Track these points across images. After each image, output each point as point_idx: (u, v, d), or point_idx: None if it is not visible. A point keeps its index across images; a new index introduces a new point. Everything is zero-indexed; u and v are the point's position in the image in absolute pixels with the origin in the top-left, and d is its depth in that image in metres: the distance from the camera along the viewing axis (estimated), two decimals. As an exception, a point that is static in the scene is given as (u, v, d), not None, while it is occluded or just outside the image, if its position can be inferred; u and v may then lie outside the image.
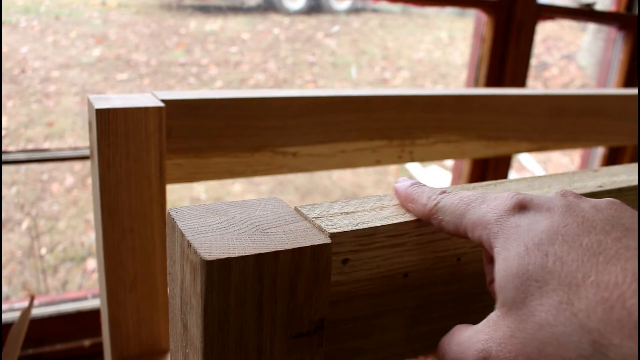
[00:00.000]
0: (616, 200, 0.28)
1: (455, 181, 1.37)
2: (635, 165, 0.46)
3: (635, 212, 0.27)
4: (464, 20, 3.64)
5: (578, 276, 0.23)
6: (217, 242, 0.27)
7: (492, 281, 0.31)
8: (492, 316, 0.26)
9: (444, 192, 0.32)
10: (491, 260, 0.31)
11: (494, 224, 0.28)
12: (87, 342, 1.00)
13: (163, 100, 0.55)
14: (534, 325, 0.24)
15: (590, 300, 0.22)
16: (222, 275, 0.26)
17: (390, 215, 0.33)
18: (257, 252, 0.26)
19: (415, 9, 3.60)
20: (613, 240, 0.24)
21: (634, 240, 0.24)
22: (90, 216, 1.94)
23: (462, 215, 0.30)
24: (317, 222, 0.31)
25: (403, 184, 0.35)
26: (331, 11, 3.28)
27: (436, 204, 0.31)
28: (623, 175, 0.43)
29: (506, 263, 0.26)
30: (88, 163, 1.73)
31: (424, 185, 0.34)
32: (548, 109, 0.82)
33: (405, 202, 0.34)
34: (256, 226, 0.29)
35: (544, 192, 0.38)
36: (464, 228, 0.30)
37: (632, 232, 0.25)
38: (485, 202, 0.29)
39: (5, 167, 1.64)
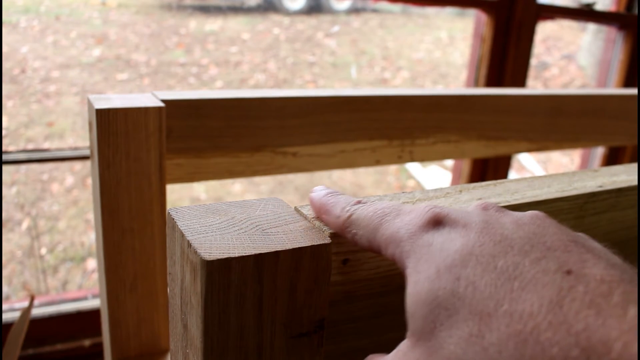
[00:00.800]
0: (541, 213, 0.26)
1: (456, 181, 1.37)
2: (635, 165, 0.46)
3: (563, 228, 0.24)
4: (464, 20, 3.64)
5: (490, 304, 0.21)
6: (217, 242, 0.27)
7: None
8: (402, 346, 0.24)
9: (359, 202, 0.29)
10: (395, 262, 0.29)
11: (407, 241, 0.25)
12: (87, 342, 1.00)
13: (163, 100, 0.55)
14: None
15: (502, 332, 0.20)
16: (222, 275, 0.26)
17: (390, 215, 0.33)
18: (257, 252, 0.26)
19: (415, 9, 3.60)
20: (531, 263, 0.22)
21: (554, 262, 0.22)
22: (90, 216, 1.94)
23: (375, 229, 0.27)
24: (317, 222, 0.31)
25: (318, 193, 0.32)
26: (331, 11, 3.28)
27: (349, 216, 0.29)
28: (623, 175, 0.43)
29: (416, 287, 0.23)
30: (88, 163, 1.73)
31: (340, 194, 0.31)
32: (548, 109, 0.82)
33: (319, 213, 0.31)
34: (256, 226, 0.29)
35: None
36: (377, 244, 0.27)
37: (553, 252, 0.22)
38: (399, 216, 0.27)
39: (5, 167, 1.64)
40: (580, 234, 0.25)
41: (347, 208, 0.29)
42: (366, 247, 0.28)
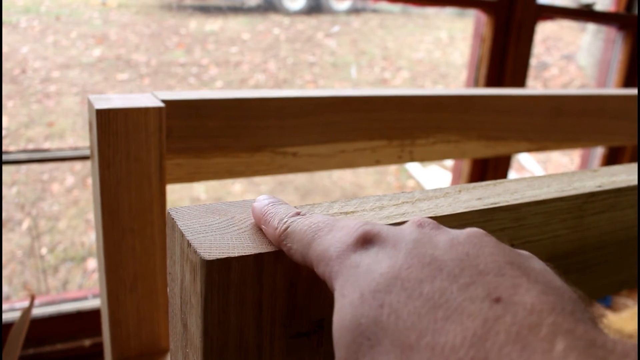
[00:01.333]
0: (480, 231, 0.24)
1: (456, 181, 1.37)
2: (635, 165, 0.46)
3: (502, 247, 0.23)
4: (464, 20, 3.64)
5: (412, 336, 0.19)
6: (217, 242, 0.27)
7: None
8: None
9: (297, 214, 0.28)
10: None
11: (335, 260, 0.23)
12: (87, 342, 1.00)
13: (163, 101, 0.55)
14: None
15: None
16: (222, 275, 0.26)
17: (390, 215, 0.33)
18: (257, 251, 0.26)
19: (415, 9, 3.60)
20: (459, 289, 0.20)
21: (483, 288, 0.20)
22: (91, 216, 1.94)
23: (308, 244, 0.25)
24: (317, 222, 0.31)
25: (260, 202, 0.30)
26: (331, 11, 3.28)
27: (285, 229, 0.27)
28: (623, 175, 0.43)
29: (340, 313, 0.22)
30: (88, 163, 1.73)
31: (281, 204, 0.29)
32: (548, 109, 0.82)
33: (258, 223, 0.29)
34: (256, 226, 0.29)
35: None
36: (310, 260, 0.25)
37: (485, 276, 0.20)
38: (332, 232, 0.25)
39: (5, 167, 1.64)
40: (523, 252, 0.23)
41: (285, 219, 0.27)
42: (301, 263, 0.26)
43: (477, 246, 0.22)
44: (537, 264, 0.22)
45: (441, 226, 0.25)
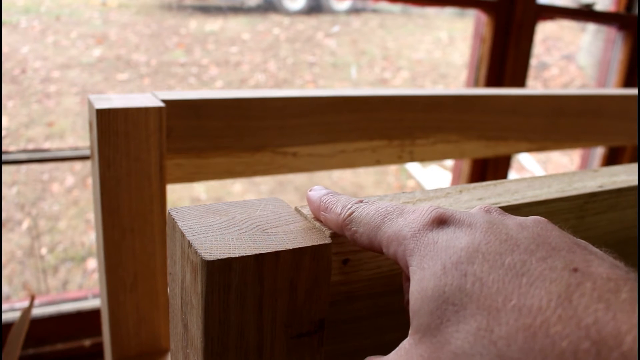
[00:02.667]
0: (543, 218, 0.26)
1: (456, 181, 1.37)
2: (635, 165, 0.46)
3: (564, 233, 0.25)
4: (464, 20, 3.64)
5: (498, 299, 0.21)
6: (217, 242, 0.27)
7: (406, 283, 0.30)
8: (404, 344, 0.24)
9: (360, 201, 0.30)
10: (408, 278, 0.29)
11: (410, 239, 0.25)
12: (87, 342, 1.00)
13: (163, 100, 0.55)
14: (449, 355, 0.21)
15: (511, 326, 0.20)
16: (222, 276, 0.26)
17: (391, 215, 0.33)
18: (258, 252, 0.26)
19: (415, 9, 3.60)
20: (538, 260, 0.22)
21: (560, 260, 0.22)
22: (91, 216, 1.94)
23: (377, 227, 0.27)
24: (318, 222, 0.31)
25: (318, 192, 0.32)
26: (331, 11, 3.28)
27: (350, 214, 0.29)
28: (623, 175, 0.43)
29: (421, 284, 0.24)
30: (88, 163, 1.73)
31: (340, 194, 0.31)
32: (548, 109, 0.82)
33: (317, 211, 0.31)
34: (256, 226, 0.29)
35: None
36: (378, 242, 0.27)
37: (559, 251, 0.23)
38: (402, 215, 0.27)
39: (5, 167, 1.64)
40: (581, 240, 0.25)
41: (349, 206, 0.29)
42: (366, 246, 0.28)
43: (544, 229, 0.24)
44: (596, 249, 0.25)
45: (506, 213, 0.27)
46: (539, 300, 0.20)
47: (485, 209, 0.27)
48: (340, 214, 0.29)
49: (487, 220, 0.25)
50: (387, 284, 0.33)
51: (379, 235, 0.27)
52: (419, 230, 0.25)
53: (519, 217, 0.26)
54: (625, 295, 0.20)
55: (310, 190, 0.32)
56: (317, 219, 0.31)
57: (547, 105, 0.82)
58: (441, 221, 0.26)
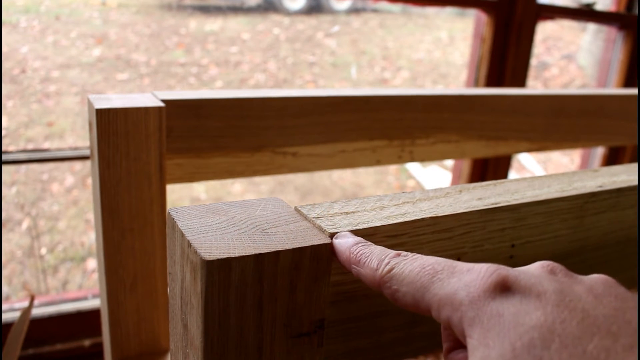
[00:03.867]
0: (610, 279, 0.23)
1: (456, 181, 1.37)
2: (635, 165, 0.46)
3: (634, 297, 0.22)
4: (464, 20, 3.64)
5: None
6: (217, 242, 0.27)
7: (451, 349, 0.27)
8: None
9: (399, 254, 0.27)
10: (449, 326, 0.26)
11: (469, 306, 0.22)
12: (87, 342, 1.00)
13: (163, 100, 0.55)
14: None
15: None
16: (222, 275, 0.26)
17: (391, 215, 0.33)
18: (257, 252, 0.26)
19: (415, 9, 3.60)
20: (624, 350, 0.19)
21: None
22: (90, 216, 1.94)
23: (424, 288, 0.24)
24: (318, 222, 0.31)
25: (346, 241, 0.29)
26: (331, 11, 3.28)
27: (390, 270, 0.26)
28: (623, 175, 0.43)
29: None
30: (88, 163, 1.73)
31: (372, 244, 0.28)
32: (548, 109, 0.82)
33: (348, 263, 0.28)
34: (256, 226, 0.29)
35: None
36: (426, 304, 0.24)
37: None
38: (455, 275, 0.24)
39: (5, 167, 1.64)
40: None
41: (387, 261, 0.26)
42: (410, 307, 0.25)
43: (619, 299, 0.22)
44: None
45: (571, 272, 0.24)
46: None
47: (549, 269, 0.24)
48: (377, 269, 0.26)
49: (555, 289, 0.22)
50: (387, 284, 0.33)
51: (427, 297, 0.24)
52: (479, 296, 0.22)
53: (586, 280, 0.23)
54: None
55: (336, 238, 0.29)
56: (348, 271, 0.28)
57: (547, 105, 0.82)
58: (504, 287, 0.22)
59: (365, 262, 0.27)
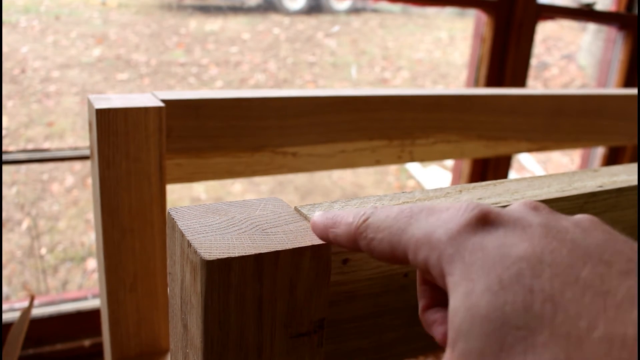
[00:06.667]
0: (594, 217, 0.22)
1: (456, 181, 1.37)
2: (635, 165, 0.46)
3: (625, 237, 0.21)
4: (464, 20, 3.64)
5: (580, 325, 0.17)
6: (217, 242, 0.27)
7: (427, 307, 0.25)
8: None
9: (375, 207, 0.25)
10: (426, 281, 0.25)
11: (447, 243, 0.21)
12: (87, 342, 1.00)
13: (163, 100, 0.55)
14: None
15: None
16: (222, 275, 0.26)
17: (390, 215, 0.33)
18: (257, 252, 0.26)
19: (415, 9, 3.60)
20: (619, 275, 0.18)
21: None
22: (90, 216, 1.94)
23: (401, 230, 0.23)
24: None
25: (322, 214, 0.28)
26: (331, 11, 3.28)
27: (366, 219, 0.24)
28: (623, 175, 0.43)
29: (470, 299, 0.19)
30: (88, 163, 1.73)
31: (349, 209, 0.27)
32: (548, 109, 0.82)
33: (325, 230, 0.26)
34: (256, 226, 0.29)
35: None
36: (403, 248, 0.22)
37: (636, 263, 0.19)
38: (433, 214, 0.22)
39: (5, 167, 1.64)
40: (630, 240, 0.22)
41: (362, 212, 0.25)
42: (387, 254, 0.23)
43: (607, 233, 0.21)
44: None
45: (554, 211, 0.23)
46: (634, 329, 0.16)
47: (532, 205, 0.23)
48: (352, 222, 0.25)
49: (540, 222, 0.21)
50: (387, 284, 0.33)
51: (404, 239, 0.22)
52: (458, 231, 0.21)
53: (571, 217, 0.22)
54: None
55: (313, 215, 0.28)
56: (327, 241, 0.27)
57: (547, 105, 0.82)
58: (486, 221, 0.21)
59: (341, 221, 0.26)
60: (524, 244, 0.20)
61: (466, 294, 0.19)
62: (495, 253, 0.20)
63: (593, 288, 0.18)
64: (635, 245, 0.20)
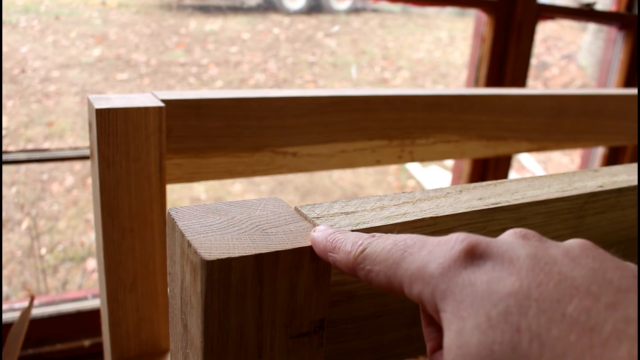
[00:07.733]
0: (587, 242, 0.22)
1: (456, 181, 1.37)
2: (635, 165, 0.45)
3: (618, 261, 0.21)
4: (464, 20, 3.64)
5: None
6: (217, 242, 0.27)
7: (435, 349, 0.25)
8: None
9: (373, 236, 0.26)
10: (432, 322, 0.25)
11: (439, 278, 0.21)
12: (87, 342, 1.00)
13: (163, 100, 0.55)
14: None
15: None
16: (222, 275, 0.26)
17: (391, 215, 0.33)
18: (257, 252, 0.26)
19: (415, 9, 3.60)
20: (606, 309, 0.18)
21: (633, 307, 0.18)
22: (90, 216, 1.94)
23: (396, 264, 0.23)
24: (318, 222, 0.31)
25: (322, 232, 0.28)
26: (331, 11, 3.28)
27: (363, 250, 0.25)
28: (623, 175, 0.43)
29: (461, 338, 0.20)
30: (88, 163, 1.73)
31: (348, 232, 0.27)
32: (548, 109, 0.82)
33: (324, 252, 0.27)
34: (256, 226, 0.29)
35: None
36: (399, 281, 0.23)
37: (625, 294, 0.19)
38: (425, 247, 0.23)
39: (5, 167, 1.64)
40: (629, 264, 0.22)
41: (360, 242, 0.25)
42: (384, 287, 0.24)
43: (598, 260, 0.21)
44: None
45: (545, 238, 0.23)
46: None
47: (522, 234, 0.23)
48: (350, 252, 0.25)
49: (528, 254, 0.21)
50: (387, 284, 0.33)
51: (399, 273, 0.23)
52: (449, 267, 0.21)
53: (561, 245, 0.22)
54: None
55: (313, 231, 0.28)
56: (325, 261, 0.28)
57: (547, 105, 0.82)
58: (475, 255, 0.21)
59: (340, 247, 0.26)
60: (511, 278, 0.20)
61: (458, 331, 0.20)
62: (484, 289, 0.20)
63: (579, 324, 0.18)
64: (628, 270, 0.20)
